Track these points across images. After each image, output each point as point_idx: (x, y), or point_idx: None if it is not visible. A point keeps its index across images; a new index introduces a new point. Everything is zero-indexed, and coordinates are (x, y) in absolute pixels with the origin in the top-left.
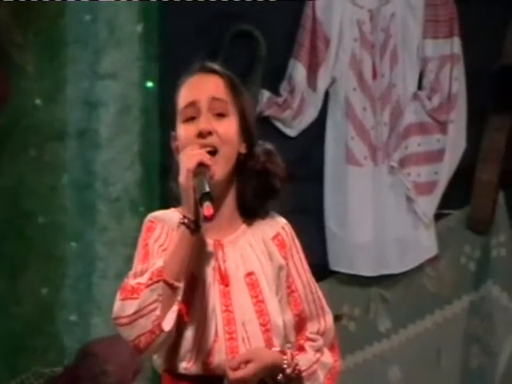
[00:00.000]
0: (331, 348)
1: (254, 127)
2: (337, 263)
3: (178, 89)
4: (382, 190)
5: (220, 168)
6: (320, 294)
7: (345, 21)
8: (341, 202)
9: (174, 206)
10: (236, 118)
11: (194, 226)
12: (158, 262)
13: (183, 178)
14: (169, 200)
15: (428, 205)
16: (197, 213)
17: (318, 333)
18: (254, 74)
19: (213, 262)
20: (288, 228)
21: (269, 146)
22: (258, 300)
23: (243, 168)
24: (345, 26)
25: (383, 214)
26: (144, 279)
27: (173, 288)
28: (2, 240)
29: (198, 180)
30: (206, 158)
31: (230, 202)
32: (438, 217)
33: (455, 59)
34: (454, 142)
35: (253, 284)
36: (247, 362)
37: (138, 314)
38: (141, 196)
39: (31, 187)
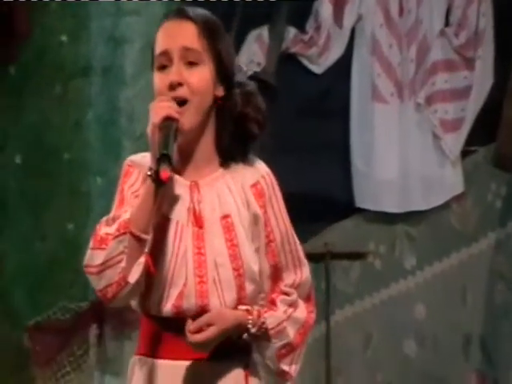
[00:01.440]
0: (307, 299)
1: (233, 69)
2: (362, 200)
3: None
4: (408, 127)
5: (189, 118)
6: (298, 245)
7: None
8: (367, 139)
9: None
10: (210, 65)
11: (159, 179)
12: (126, 214)
13: (149, 131)
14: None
15: (454, 142)
16: (158, 167)
17: (293, 284)
18: (280, 11)
19: (188, 204)
20: (269, 177)
21: (250, 86)
22: (233, 244)
23: (222, 110)
24: None
25: (409, 151)
26: (112, 230)
27: (139, 240)
28: (26, 176)
29: (162, 136)
30: (173, 111)
31: (207, 144)
32: (464, 154)
33: None
34: (481, 78)
35: (228, 227)
36: (208, 325)
37: (105, 265)
38: None
39: (56, 123)
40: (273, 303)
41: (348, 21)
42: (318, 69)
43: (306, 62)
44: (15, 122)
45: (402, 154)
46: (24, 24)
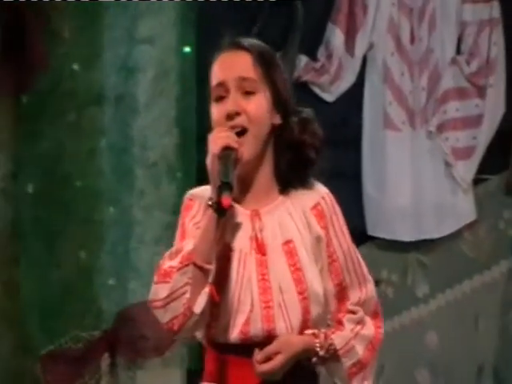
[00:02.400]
0: (374, 315)
1: (289, 97)
2: (375, 228)
3: (211, 65)
4: (420, 155)
5: (248, 148)
6: (361, 262)
7: None
8: (379, 167)
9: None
10: (267, 94)
11: (221, 207)
12: (188, 245)
13: (209, 162)
14: (205, 166)
15: (466, 170)
16: (219, 196)
17: (358, 302)
18: (292, 39)
19: (250, 232)
20: (329, 197)
21: (306, 113)
22: (296, 268)
23: (279, 138)
24: None
25: (421, 179)
26: (175, 262)
27: (203, 270)
28: (40, 204)
29: (221, 165)
30: (232, 141)
31: (266, 172)
32: (476, 182)
33: (494, 23)
34: (493, 106)
35: (291, 252)
36: (276, 353)
37: (170, 298)
38: (178, 161)
39: (69, 152)
40: (340, 323)
41: (359, 49)
42: (329, 97)
43: (317, 90)
44: (28, 150)
45: (414, 182)
46: (41, 55)
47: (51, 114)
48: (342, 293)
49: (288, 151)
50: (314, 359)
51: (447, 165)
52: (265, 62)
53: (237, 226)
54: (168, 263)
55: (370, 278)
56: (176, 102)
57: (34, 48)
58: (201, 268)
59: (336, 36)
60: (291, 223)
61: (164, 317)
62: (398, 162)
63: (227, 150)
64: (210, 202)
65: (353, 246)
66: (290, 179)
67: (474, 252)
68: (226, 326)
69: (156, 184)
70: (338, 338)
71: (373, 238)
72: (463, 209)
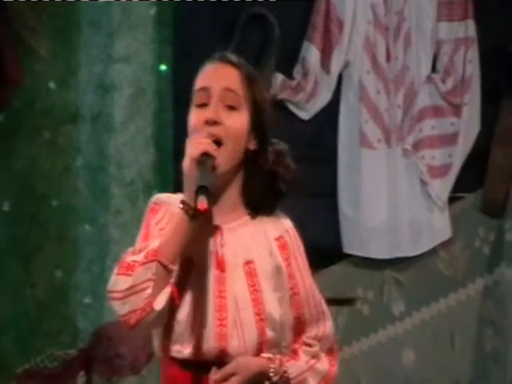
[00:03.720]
0: (329, 352)
1: (268, 125)
2: (350, 246)
3: (187, 82)
4: (395, 173)
5: (224, 161)
6: (321, 299)
7: (358, 3)
8: (354, 185)
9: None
10: (248, 114)
11: (193, 212)
12: (154, 242)
13: (186, 165)
14: (182, 183)
15: (442, 188)
16: (196, 200)
17: (315, 337)
18: (268, 57)
19: (210, 247)
20: (293, 232)
21: (281, 146)
22: (255, 289)
23: (251, 164)
24: (358, 9)
25: (397, 196)
26: (139, 257)
27: (167, 269)
28: (16, 223)
29: (199, 169)
30: (211, 148)
31: (233, 191)
32: (452, 200)
33: (469, 42)
34: (468, 124)
35: (251, 273)
36: (232, 374)
37: (130, 291)
38: (154, 179)
39: (45, 170)
40: (295, 353)
41: (335, 67)
42: (305, 115)
43: (293, 109)
44: (3, 168)
45: (390, 200)
46: (16, 71)
47: (27, 132)
48: (299, 326)
49: (259, 179)
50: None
51: (423, 183)
52: (251, 83)
53: (199, 239)
54: (131, 257)
55: (329, 315)
56: (152, 120)
57: (9, 65)
58: (165, 267)
59: (312, 54)
60: (253, 245)
61: (122, 309)
62: (373, 180)
63: (206, 155)
64: (181, 205)
65: (313, 283)
66: (257, 206)
67: (450, 270)
68: (179, 341)
69: (132, 202)
70: (293, 367)
71: (349, 256)
72: (439, 227)
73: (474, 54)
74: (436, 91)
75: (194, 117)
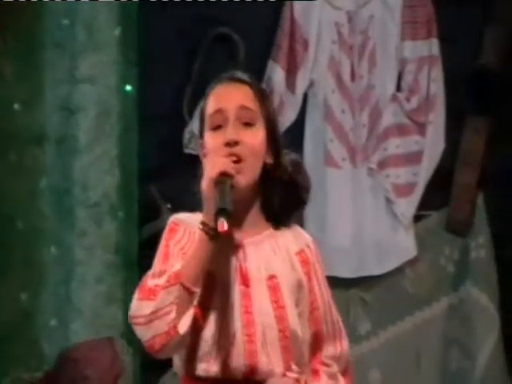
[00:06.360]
0: (344, 373)
1: (280, 137)
2: None
3: (205, 97)
4: (360, 192)
5: (244, 178)
6: (339, 317)
7: (323, 23)
8: (319, 204)
9: (157, 212)
10: (263, 128)
11: (213, 232)
12: (176, 265)
13: (205, 185)
14: (147, 205)
15: (407, 206)
16: (216, 221)
17: (333, 356)
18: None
19: (233, 262)
20: (313, 246)
21: (294, 156)
22: (279, 305)
23: (270, 177)
24: (323, 28)
25: (362, 216)
26: (162, 281)
27: (189, 292)
28: None
29: (218, 190)
30: (230, 167)
31: (254, 207)
32: (417, 218)
33: (433, 61)
34: (433, 143)
35: (274, 287)
36: None
37: (154, 315)
38: (120, 201)
39: (10, 192)
40: (316, 373)
41: (300, 86)
42: None
43: None
44: None
45: (355, 219)
46: None
47: None
48: (317, 342)
49: (281, 189)
50: None
51: (388, 202)
52: (263, 98)
53: (221, 255)
54: (152, 281)
55: (345, 334)
56: (117, 141)
57: None
58: (187, 290)
59: (277, 73)
60: (275, 259)
61: (145, 334)
62: (338, 199)
63: (224, 175)
64: (200, 226)
65: (332, 300)
66: (280, 216)
67: (415, 288)
68: (206, 358)
69: (98, 224)
70: None
71: None
72: (404, 245)
73: (438, 72)
74: (400, 110)
75: (212, 140)
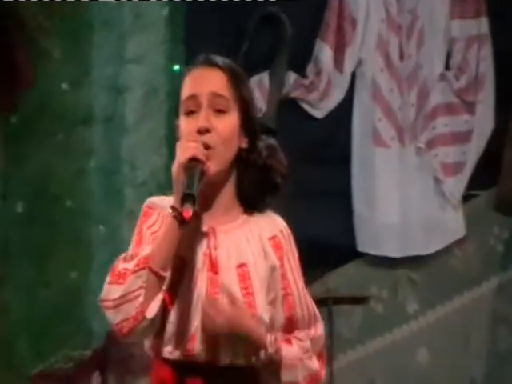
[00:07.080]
0: (318, 356)
1: (256, 122)
2: (364, 245)
3: (182, 78)
4: (409, 171)
5: (214, 165)
6: (312, 302)
7: (371, 1)
8: (368, 183)
9: None
10: (237, 114)
11: (181, 218)
12: (146, 249)
13: (175, 170)
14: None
15: (456, 185)
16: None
17: (307, 335)
18: (280, 56)
19: (204, 249)
20: (286, 232)
21: (271, 141)
22: (248, 292)
23: (245, 162)
24: (371, 7)
25: (410, 195)
26: (131, 265)
27: (158, 276)
28: (30, 224)
29: (187, 175)
30: (200, 153)
31: (227, 192)
32: (465, 198)
33: (483, 39)
34: (482, 122)
35: (244, 275)
36: (232, 302)
37: (122, 299)
38: (167, 180)
39: (58, 172)
40: (288, 341)
41: (348, 65)
42: (318, 113)
43: (306, 107)
44: (17, 170)
45: (403, 198)
46: (28, 73)
47: (40, 135)
48: (291, 326)
49: (254, 174)
50: (254, 358)
51: (436, 181)
52: (237, 83)
53: (192, 241)
54: (122, 265)
55: (320, 318)
56: (165, 121)
57: (21, 66)
58: (156, 274)
59: (325, 52)
60: (247, 247)
61: (115, 318)
62: (387, 178)
63: (194, 161)
64: (170, 211)
65: (304, 286)
66: (253, 201)
67: (464, 268)
68: (171, 342)
69: None
70: (287, 350)
71: (363, 255)
72: (453, 225)
73: (487, 51)
74: (449, 89)
75: (185, 125)
